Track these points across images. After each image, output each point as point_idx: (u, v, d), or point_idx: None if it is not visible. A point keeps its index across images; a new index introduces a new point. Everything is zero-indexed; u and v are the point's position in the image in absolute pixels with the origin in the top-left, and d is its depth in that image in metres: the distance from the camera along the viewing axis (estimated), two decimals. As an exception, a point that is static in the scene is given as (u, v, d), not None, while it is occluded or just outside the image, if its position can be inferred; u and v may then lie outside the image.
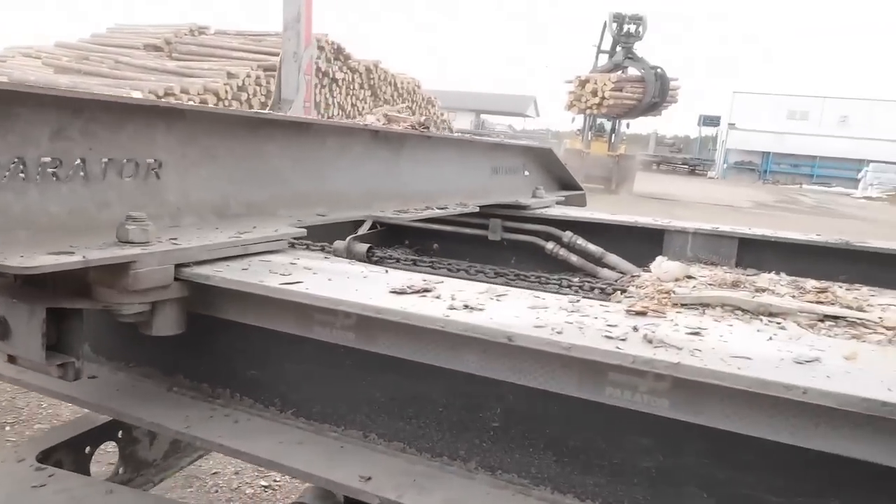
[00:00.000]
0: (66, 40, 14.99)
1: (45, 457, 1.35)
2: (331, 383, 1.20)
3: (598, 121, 22.91)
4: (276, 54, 15.12)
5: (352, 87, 17.75)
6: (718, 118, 45.39)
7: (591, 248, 2.71)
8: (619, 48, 21.84)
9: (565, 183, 3.61)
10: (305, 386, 1.22)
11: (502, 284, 1.35)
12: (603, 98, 20.91)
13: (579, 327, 0.95)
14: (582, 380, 0.96)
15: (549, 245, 2.79)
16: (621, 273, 2.64)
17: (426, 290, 1.11)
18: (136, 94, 11.01)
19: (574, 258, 2.75)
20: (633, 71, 21.84)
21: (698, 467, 0.94)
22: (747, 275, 2.19)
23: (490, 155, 2.91)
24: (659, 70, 21.11)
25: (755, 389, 0.78)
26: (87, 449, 1.50)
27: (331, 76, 16.55)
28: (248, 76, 13.69)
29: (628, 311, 1.04)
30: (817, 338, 0.98)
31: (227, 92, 13.08)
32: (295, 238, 1.48)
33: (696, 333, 0.95)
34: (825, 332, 1.15)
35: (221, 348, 1.29)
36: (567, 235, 2.77)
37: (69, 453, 1.44)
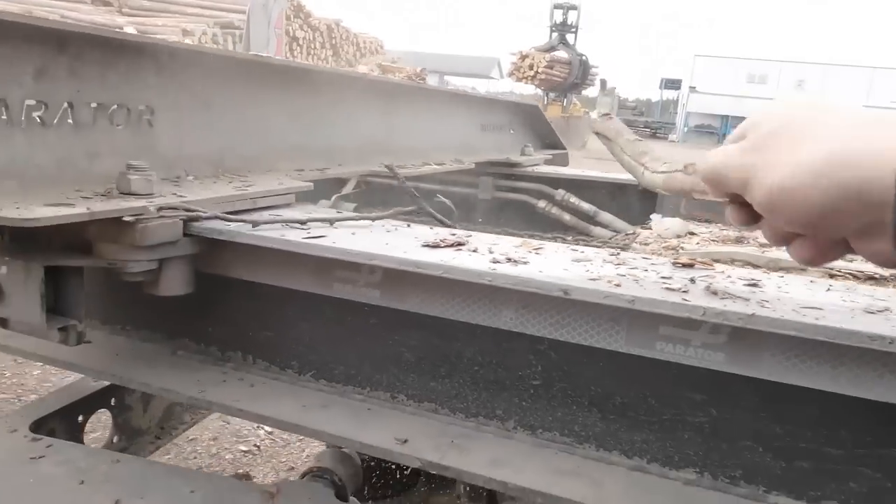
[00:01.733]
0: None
1: (38, 426, 1.26)
2: (353, 344, 1.13)
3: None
4: (234, 11, 14.59)
5: (313, 46, 17.26)
6: (679, 81, 45.74)
7: (585, 206, 2.68)
8: (554, 33, 26.52)
9: (549, 142, 3.55)
10: (325, 347, 1.15)
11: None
12: (537, 72, 24.93)
13: (634, 280, 0.90)
14: (631, 334, 0.92)
15: (542, 203, 2.75)
16: (615, 231, 2.61)
17: (460, 244, 1.04)
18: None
19: (567, 216, 2.71)
20: (563, 54, 26.19)
21: (753, 421, 0.91)
22: (746, 232, 2.18)
23: (479, 111, 2.83)
24: (583, 57, 25.98)
25: (839, 340, 0.74)
26: (80, 418, 1.41)
27: (291, 34, 16.05)
28: (205, 33, 13.15)
29: (675, 263, 1.00)
30: (871, 288, 0.95)
31: (183, 49, 12.59)
32: (300, 192, 1.39)
33: (755, 285, 0.91)
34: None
35: (231, 309, 1.21)
36: (560, 193, 2.72)
37: (62, 422, 1.35)
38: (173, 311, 1.22)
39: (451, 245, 1.01)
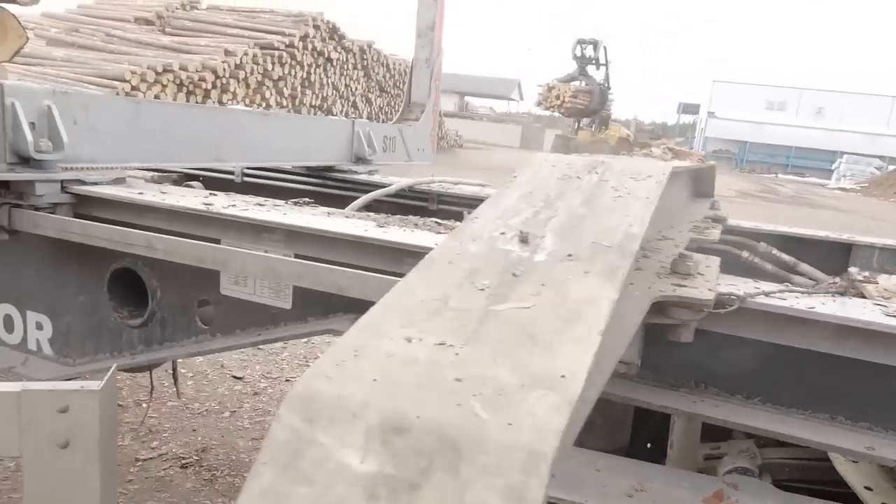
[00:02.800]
0: (52, 10, 14.46)
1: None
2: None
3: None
4: (272, 32, 14.85)
5: (346, 68, 17.48)
6: (697, 106, 45.86)
7: (785, 257, 2.74)
8: (577, 65, 30.34)
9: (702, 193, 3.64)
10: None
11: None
12: (563, 102, 29.50)
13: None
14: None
15: (745, 254, 2.82)
16: (814, 280, 2.66)
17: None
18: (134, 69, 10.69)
19: (768, 266, 2.77)
20: (584, 84, 30.05)
21: None
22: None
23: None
24: (602, 86, 29.88)
25: None
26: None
27: (326, 56, 16.28)
28: (246, 54, 13.41)
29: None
30: None
31: (225, 70, 12.80)
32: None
33: None
34: None
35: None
36: (762, 246, 2.79)
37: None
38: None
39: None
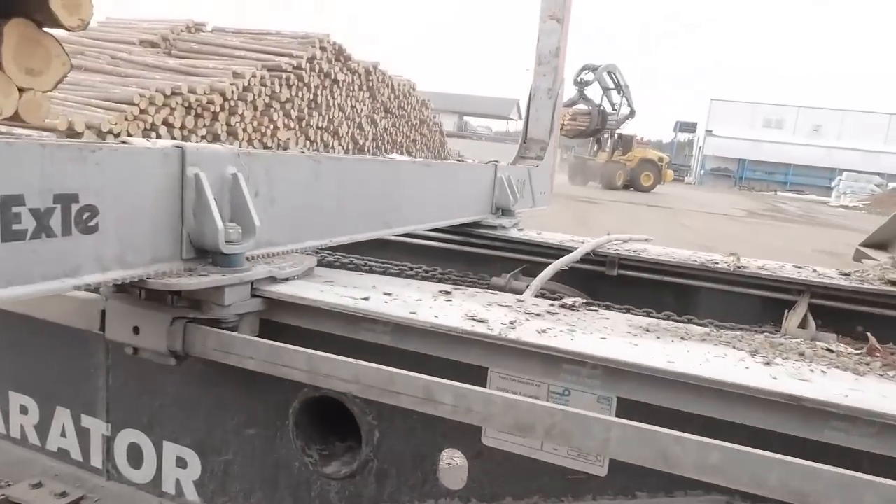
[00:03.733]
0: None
1: None
2: None
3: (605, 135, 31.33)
4: (279, 54, 14.50)
5: (351, 89, 17.13)
6: (694, 124, 45.90)
7: None
8: (576, 89, 30.64)
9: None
10: None
11: None
12: (563, 125, 28.11)
13: None
14: None
15: None
16: None
17: None
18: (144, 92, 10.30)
19: None
20: (584, 107, 30.65)
21: None
22: None
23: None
24: (601, 107, 30.37)
25: None
26: None
27: (332, 77, 15.93)
28: (254, 76, 13.03)
29: None
30: None
31: (233, 92, 12.42)
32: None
33: None
34: None
35: None
36: None
37: None
38: None
39: None
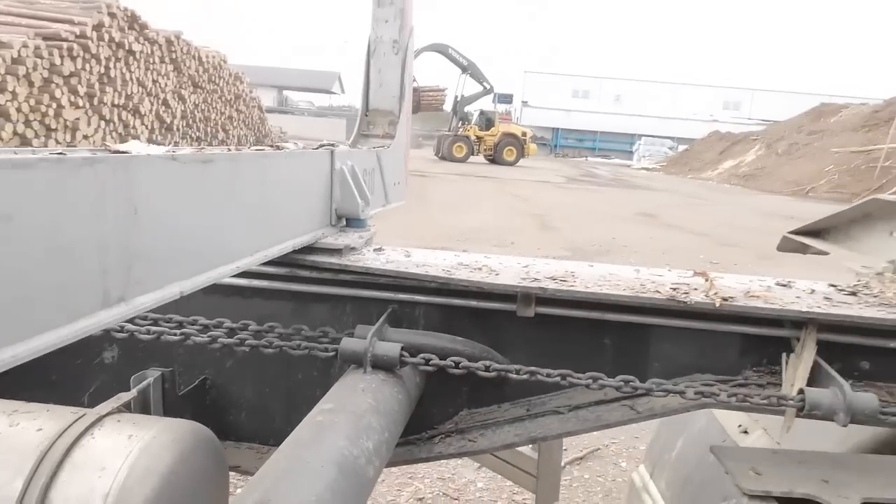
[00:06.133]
0: None
1: None
2: None
3: None
4: (57, 20, 12.50)
5: (151, 61, 15.35)
6: (511, 96, 47.98)
7: None
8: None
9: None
10: None
11: None
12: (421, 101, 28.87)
13: None
14: None
15: None
16: None
17: None
18: None
19: None
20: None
21: None
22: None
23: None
24: (415, 83, 33.86)
25: None
26: None
27: (126, 48, 14.12)
28: (26, 46, 11.11)
29: None
30: None
31: (-1, 65, 10.49)
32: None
33: None
34: None
35: None
36: None
37: None
38: None
39: None
